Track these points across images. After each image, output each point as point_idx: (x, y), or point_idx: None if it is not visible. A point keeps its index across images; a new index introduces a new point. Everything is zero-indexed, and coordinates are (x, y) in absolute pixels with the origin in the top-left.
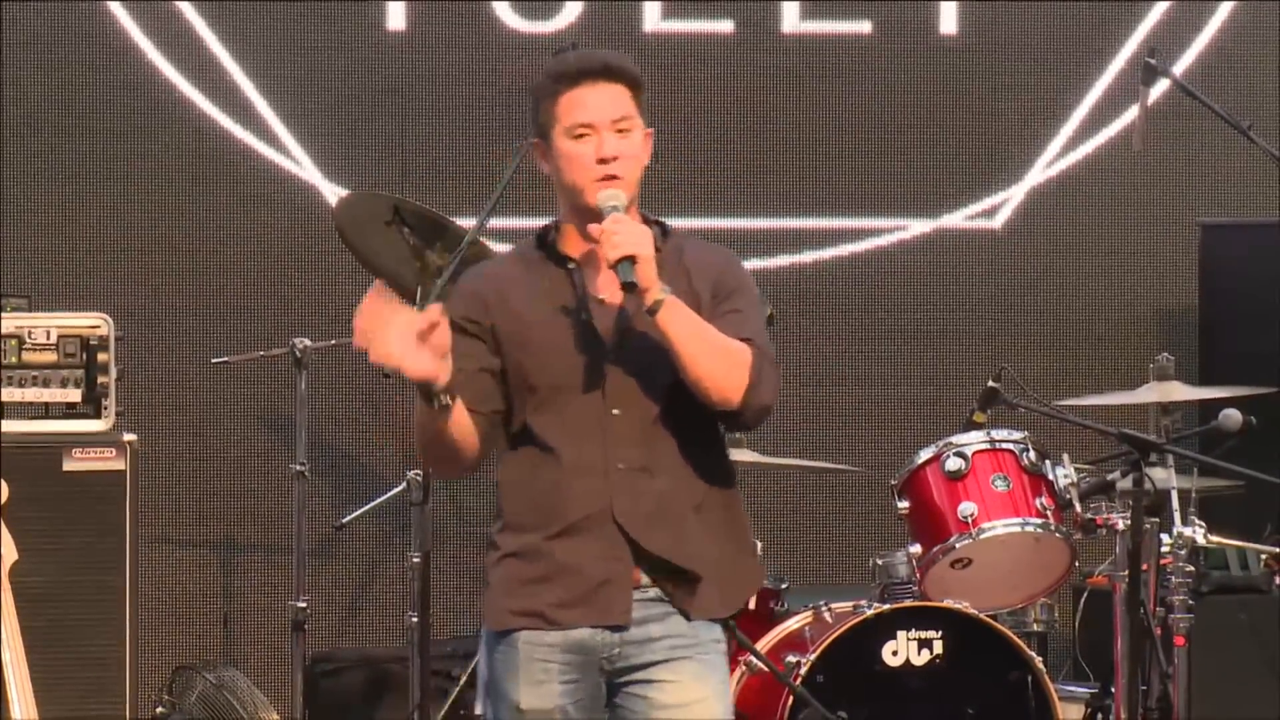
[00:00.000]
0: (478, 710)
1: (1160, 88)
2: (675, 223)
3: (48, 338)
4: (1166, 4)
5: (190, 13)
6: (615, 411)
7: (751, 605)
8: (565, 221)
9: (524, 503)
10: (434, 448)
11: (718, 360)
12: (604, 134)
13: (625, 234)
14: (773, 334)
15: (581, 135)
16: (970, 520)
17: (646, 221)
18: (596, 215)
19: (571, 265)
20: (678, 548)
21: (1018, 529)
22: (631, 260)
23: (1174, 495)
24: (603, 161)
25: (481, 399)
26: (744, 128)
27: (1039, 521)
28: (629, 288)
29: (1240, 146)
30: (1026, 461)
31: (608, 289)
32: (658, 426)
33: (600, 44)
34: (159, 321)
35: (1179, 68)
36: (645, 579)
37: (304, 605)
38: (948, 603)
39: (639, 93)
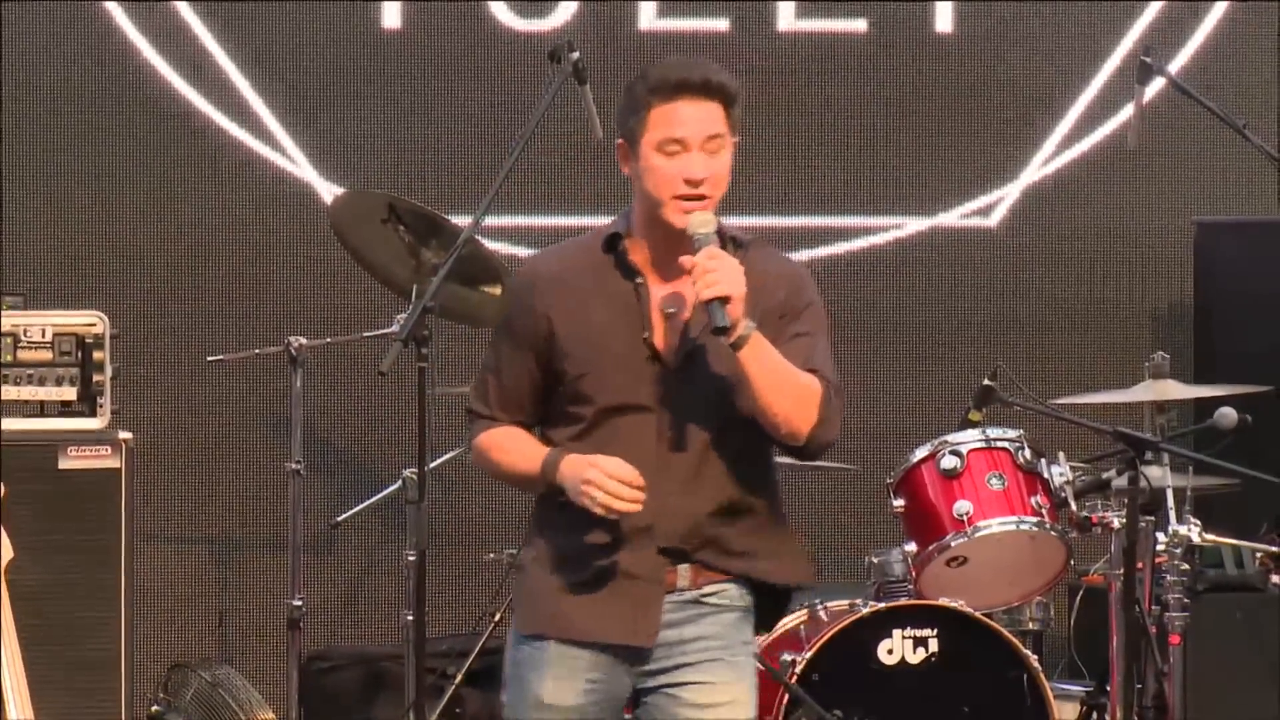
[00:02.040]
0: (502, 699)
1: (1156, 86)
2: None
3: (43, 336)
4: (1162, 3)
5: (186, 12)
6: (669, 432)
7: None
8: (638, 230)
9: (565, 512)
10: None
11: (792, 398)
12: (694, 153)
13: (721, 273)
14: None
15: (672, 152)
16: (965, 519)
17: (722, 237)
18: (674, 232)
19: (639, 280)
20: (719, 560)
21: (1013, 527)
22: (724, 300)
23: (1169, 494)
24: (690, 183)
25: (534, 411)
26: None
27: (1034, 520)
28: (721, 331)
29: (1236, 145)
30: (1022, 460)
31: (672, 305)
32: (710, 448)
33: (596, 42)
34: (154, 319)
35: (1175, 66)
36: (683, 581)
37: (299, 603)
38: (943, 601)
39: (734, 108)
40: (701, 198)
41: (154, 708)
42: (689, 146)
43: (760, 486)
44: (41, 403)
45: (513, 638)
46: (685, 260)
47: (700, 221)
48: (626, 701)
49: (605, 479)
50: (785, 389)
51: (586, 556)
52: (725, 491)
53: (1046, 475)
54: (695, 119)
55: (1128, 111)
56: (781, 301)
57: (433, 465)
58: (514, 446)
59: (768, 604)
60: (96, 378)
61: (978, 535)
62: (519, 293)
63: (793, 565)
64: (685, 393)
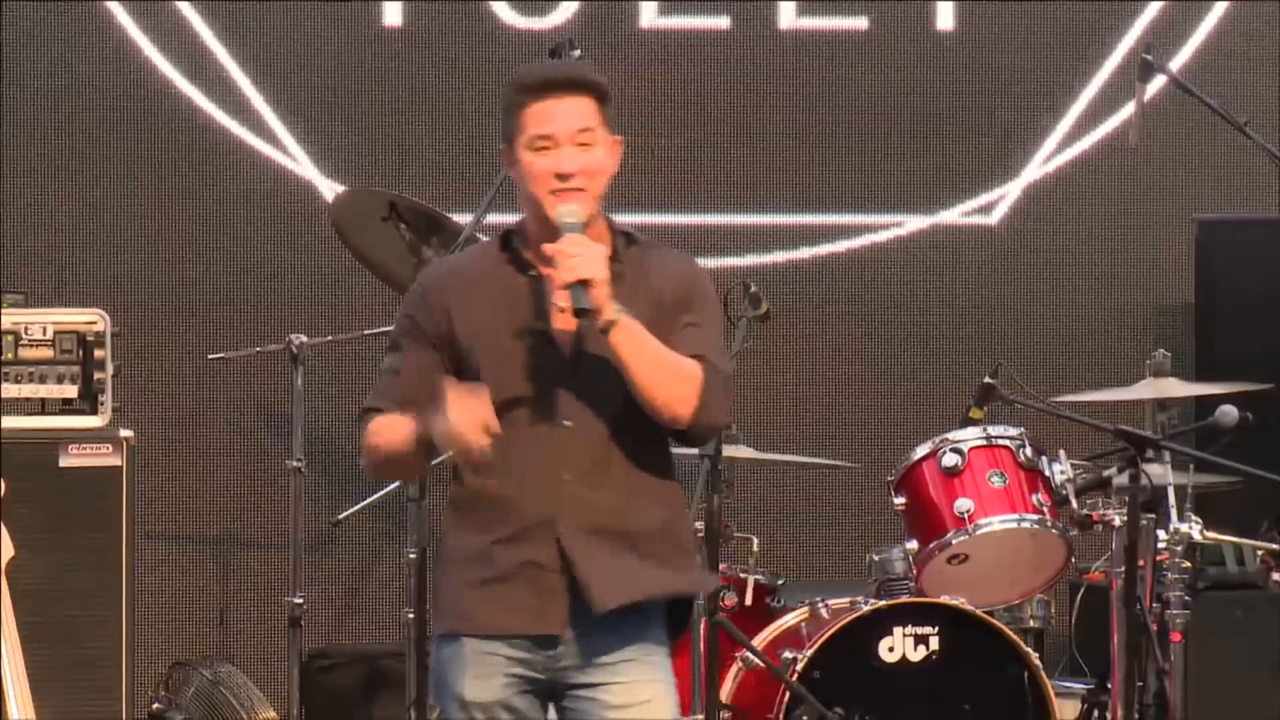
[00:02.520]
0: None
1: (1157, 84)
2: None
3: (44, 333)
4: (1163, 1)
5: (187, 10)
6: (568, 423)
7: (748, 601)
8: (529, 229)
9: (472, 509)
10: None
11: (669, 380)
12: (565, 148)
13: (580, 257)
14: (768, 330)
15: (542, 148)
16: (967, 516)
17: (612, 231)
18: (555, 227)
19: (534, 274)
20: (615, 560)
21: (1014, 525)
22: (585, 284)
23: (1170, 491)
24: (561, 177)
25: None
26: (740, 124)
27: (1035, 517)
28: (581, 313)
29: (1237, 143)
30: (1023, 457)
31: (567, 299)
32: (609, 439)
33: (597, 40)
34: (156, 317)
35: (1176, 64)
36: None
37: (300, 601)
38: (944, 599)
39: (605, 103)
40: (575, 190)
41: (155, 705)
42: (559, 142)
43: (661, 486)
44: (42, 400)
45: (435, 641)
46: (547, 248)
47: (567, 212)
48: (548, 693)
49: (459, 420)
50: (662, 372)
51: (490, 551)
52: (627, 480)
53: (1048, 473)
54: (564, 114)
55: (1129, 109)
56: (672, 294)
57: (434, 463)
58: (395, 424)
59: (677, 609)
60: (97, 375)
61: (979, 533)
62: (417, 294)
63: (691, 575)
64: (582, 383)
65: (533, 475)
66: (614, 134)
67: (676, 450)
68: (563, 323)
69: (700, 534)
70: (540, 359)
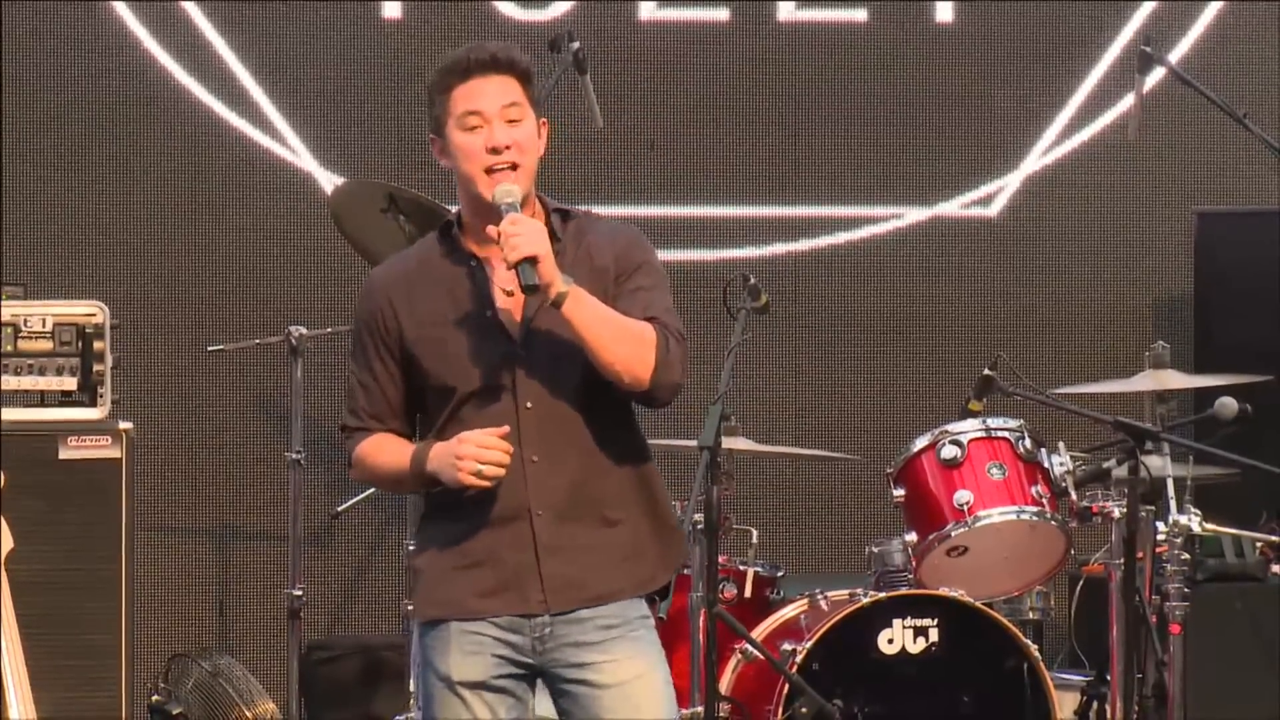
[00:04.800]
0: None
1: (1156, 76)
2: (671, 211)
3: (43, 326)
4: None
5: (187, 3)
6: (528, 405)
7: (748, 593)
8: (466, 216)
9: (444, 498)
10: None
11: (625, 344)
12: (495, 124)
13: (523, 235)
14: (767, 322)
15: (473, 127)
16: (966, 508)
17: (546, 209)
18: (492, 208)
19: (474, 262)
20: (582, 553)
21: (1013, 517)
22: (532, 261)
23: (1170, 483)
24: (494, 151)
25: (406, 416)
26: (739, 116)
27: (1035, 509)
28: (531, 289)
29: (1236, 135)
30: (1022, 449)
31: (512, 282)
32: (570, 416)
33: (596, 32)
34: (155, 309)
35: (1175, 56)
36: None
37: (299, 593)
38: (943, 590)
39: (529, 84)
40: (510, 165)
41: (154, 697)
42: (487, 118)
43: (629, 456)
44: (41, 393)
45: (416, 631)
46: (490, 229)
47: (504, 191)
48: (535, 676)
49: (478, 449)
50: (616, 337)
51: (468, 537)
52: (594, 455)
53: (1047, 465)
54: (490, 91)
55: (1128, 101)
56: (615, 262)
57: None
58: (386, 448)
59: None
60: (97, 368)
61: (978, 525)
62: (363, 301)
63: (653, 567)
64: (537, 364)
65: None
66: (540, 116)
67: (674, 442)
68: (508, 306)
69: (699, 526)
70: (490, 345)
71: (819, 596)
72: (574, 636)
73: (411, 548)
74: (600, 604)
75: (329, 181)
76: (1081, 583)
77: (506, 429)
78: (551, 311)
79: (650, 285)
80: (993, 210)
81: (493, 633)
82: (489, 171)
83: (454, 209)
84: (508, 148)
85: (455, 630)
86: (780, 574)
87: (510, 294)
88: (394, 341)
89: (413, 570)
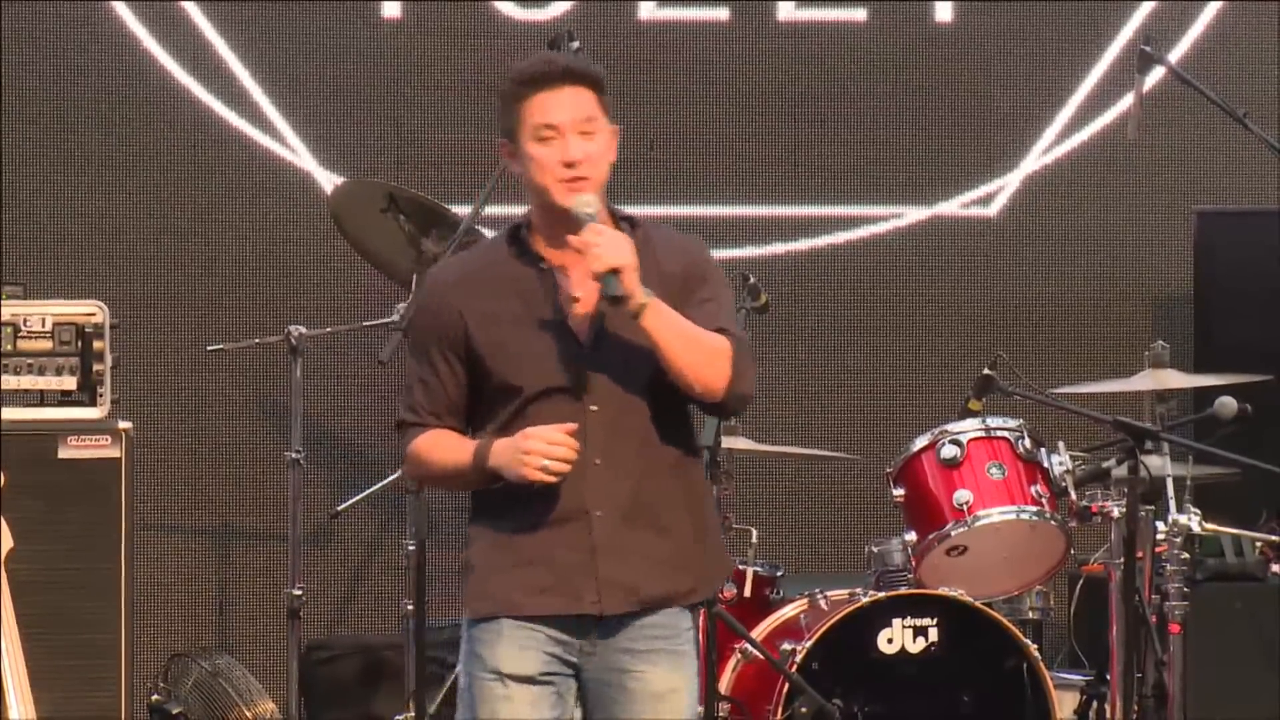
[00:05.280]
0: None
1: (1156, 75)
2: (671, 211)
3: (43, 325)
4: None
5: (187, 2)
6: (594, 408)
7: (747, 593)
8: (536, 222)
9: (501, 496)
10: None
11: (701, 356)
12: (569, 137)
13: (608, 245)
14: (767, 322)
15: (547, 138)
16: (965, 508)
17: (614, 217)
18: (564, 215)
19: (545, 266)
20: (643, 542)
21: (1013, 516)
22: (616, 272)
23: (1169, 483)
24: (568, 165)
25: (464, 413)
26: (739, 116)
27: (1034, 509)
28: (615, 300)
29: (1236, 134)
30: (1022, 449)
31: (581, 287)
32: (634, 421)
33: (596, 32)
34: (154, 309)
35: (1175, 55)
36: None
37: (299, 593)
38: (943, 590)
39: (602, 94)
40: (581, 179)
41: (154, 697)
42: (563, 132)
43: (686, 464)
44: (41, 392)
45: (465, 627)
46: (573, 239)
47: (583, 202)
48: (579, 675)
49: (546, 445)
50: (694, 349)
51: (524, 536)
52: (654, 460)
53: (1046, 464)
54: (566, 105)
55: (1128, 101)
56: (681, 270)
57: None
58: (444, 443)
59: None
60: (96, 367)
61: (978, 524)
62: (428, 300)
63: (706, 578)
64: (605, 368)
65: None
66: (612, 123)
67: None
68: (576, 310)
69: None
70: (559, 348)
71: (818, 596)
72: (623, 642)
73: (465, 541)
74: (652, 609)
75: (329, 181)
76: (1081, 582)
77: (574, 425)
78: (621, 319)
79: (716, 296)
80: (992, 210)
81: (545, 631)
82: (563, 183)
83: (454, 209)
84: (581, 162)
85: (507, 625)
86: (780, 573)
87: (578, 300)
88: (458, 339)
89: (463, 565)
